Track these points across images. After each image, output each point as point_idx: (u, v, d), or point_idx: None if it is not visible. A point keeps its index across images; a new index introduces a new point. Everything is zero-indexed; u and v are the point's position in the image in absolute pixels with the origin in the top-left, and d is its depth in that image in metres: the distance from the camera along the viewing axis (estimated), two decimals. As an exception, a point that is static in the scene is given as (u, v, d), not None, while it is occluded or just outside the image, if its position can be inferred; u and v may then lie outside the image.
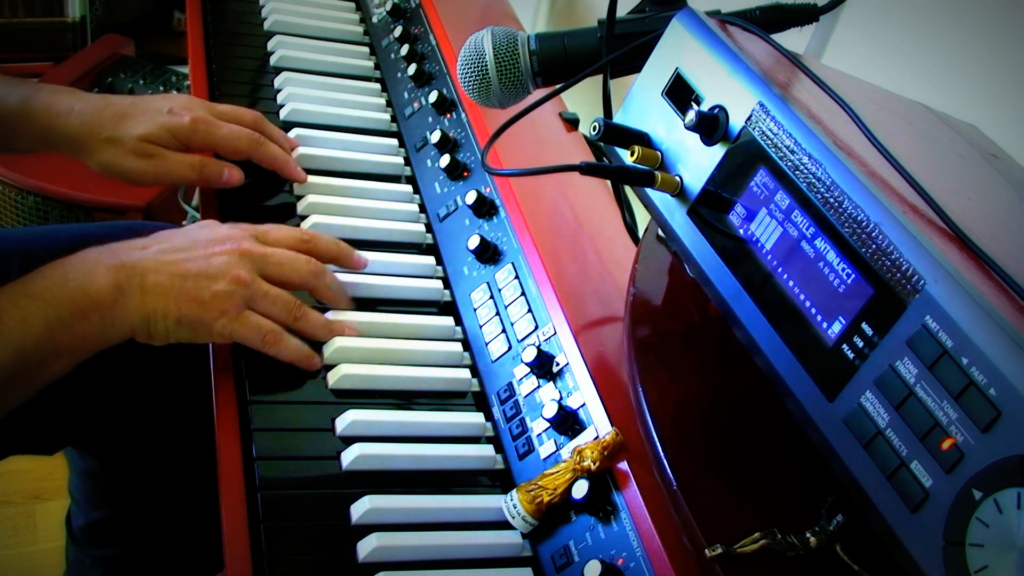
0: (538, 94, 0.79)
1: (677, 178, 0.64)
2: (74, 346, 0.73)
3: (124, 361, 0.96)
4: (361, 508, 0.71)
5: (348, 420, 0.76)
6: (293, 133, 1.03)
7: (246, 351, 0.80)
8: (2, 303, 0.71)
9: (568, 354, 0.77)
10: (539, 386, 0.78)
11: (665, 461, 0.61)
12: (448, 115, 1.04)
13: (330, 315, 0.84)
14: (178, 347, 0.80)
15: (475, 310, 0.87)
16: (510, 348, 0.82)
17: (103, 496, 1.16)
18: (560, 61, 0.79)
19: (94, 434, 1.06)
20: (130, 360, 0.97)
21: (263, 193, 0.98)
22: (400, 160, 1.06)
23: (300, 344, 0.80)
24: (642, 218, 1.00)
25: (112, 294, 0.74)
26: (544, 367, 0.78)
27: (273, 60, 1.15)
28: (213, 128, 0.94)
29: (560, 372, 0.77)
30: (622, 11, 0.77)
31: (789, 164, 0.56)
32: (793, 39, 0.74)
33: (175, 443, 1.08)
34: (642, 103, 0.68)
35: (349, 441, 0.76)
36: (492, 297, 0.86)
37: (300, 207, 0.96)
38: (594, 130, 0.66)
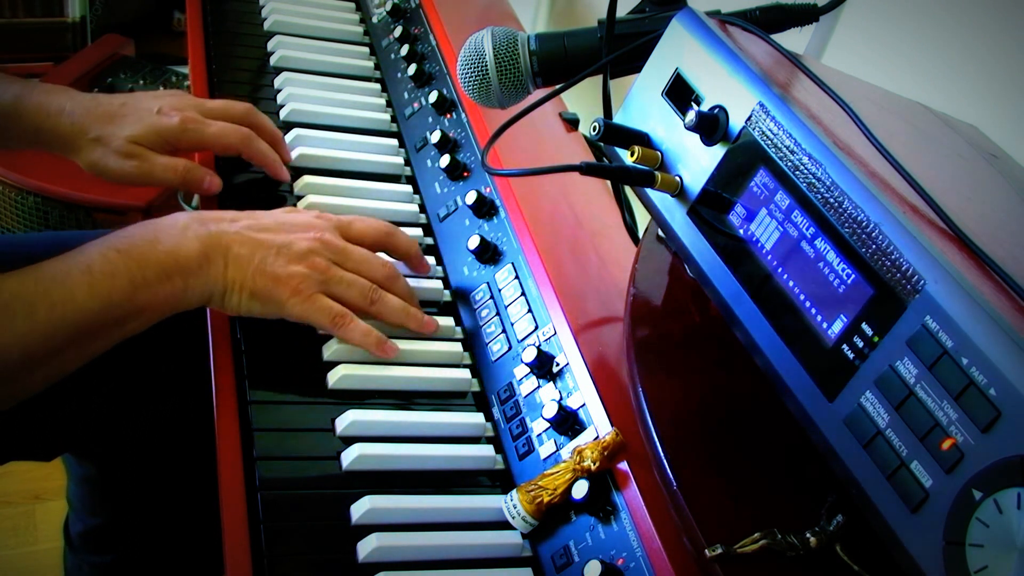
0: (538, 94, 0.79)
1: (677, 178, 0.64)
2: (154, 306, 0.75)
3: (123, 365, 0.96)
4: (361, 508, 0.71)
5: (348, 420, 0.76)
6: (293, 133, 1.03)
7: (246, 351, 0.80)
8: (93, 255, 0.74)
9: (568, 354, 0.77)
10: (539, 386, 0.78)
11: (665, 461, 0.61)
12: (448, 115, 1.04)
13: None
14: (176, 350, 0.80)
15: (475, 310, 0.87)
16: (510, 348, 0.82)
17: (101, 502, 1.16)
18: (560, 61, 0.79)
19: (92, 440, 1.06)
20: (129, 363, 0.97)
21: (263, 194, 0.98)
22: (400, 160, 1.06)
23: (370, 328, 0.81)
24: (642, 218, 1.00)
25: (198, 260, 0.76)
26: (544, 367, 0.78)
27: (273, 60, 1.15)
28: (202, 127, 0.94)
29: (560, 372, 0.77)
30: (622, 11, 0.77)
31: (789, 164, 0.56)
32: (793, 39, 0.74)
33: (173, 449, 1.07)
34: (642, 103, 0.68)
35: (349, 441, 0.76)
36: (492, 297, 0.86)
37: (300, 207, 0.96)
38: (594, 130, 0.66)
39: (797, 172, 0.56)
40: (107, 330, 0.74)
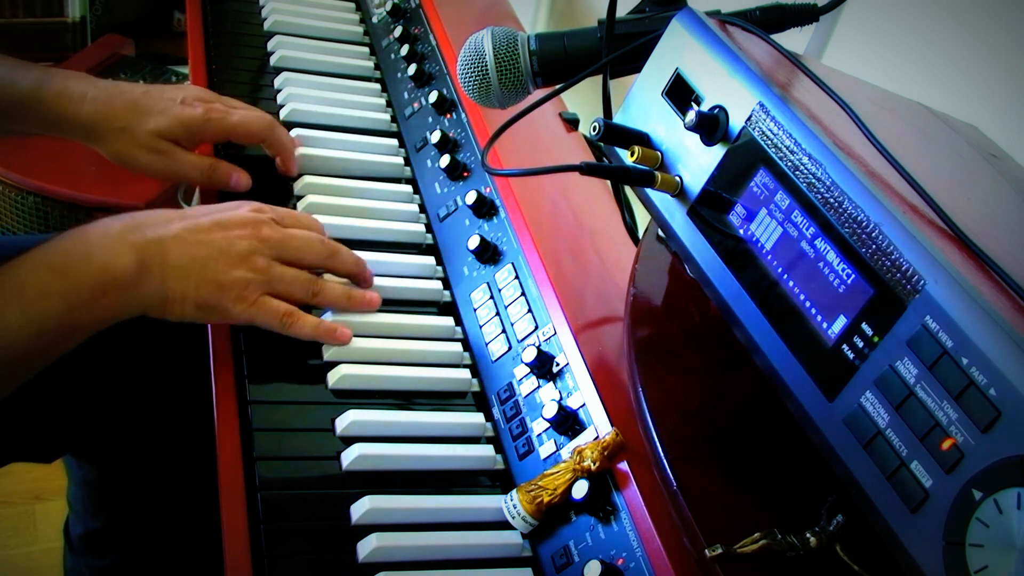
0: (538, 94, 0.79)
1: (677, 178, 0.64)
2: (90, 323, 0.73)
3: (123, 366, 0.96)
4: (361, 508, 0.71)
5: (348, 420, 0.76)
6: (293, 133, 1.03)
7: (246, 351, 0.80)
8: (24, 276, 0.71)
9: (568, 354, 0.77)
10: (539, 386, 0.78)
11: (665, 461, 0.61)
12: (448, 115, 1.04)
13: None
14: (176, 351, 0.80)
15: (475, 310, 0.87)
16: (510, 348, 0.82)
17: (101, 505, 1.16)
18: (560, 61, 0.79)
19: (93, 442, 1.06)
20: (129, 364, 0.97)
21: (263, 193, 0.98)
22: (400, 160, 1.06)
23: (320, 320, 0.80)
24: (642, 218, 1.00)
25: (135, 273, 0.73)
26: (544, 367, 0.78)
27: (273, 60, 1.15)
28: (226, 116, 0.94)
29: (560, 372, 0.77)
30: (622, 11, 0.77)
31: (789, 164, 0.56)
32: (793, 39, 0.74)
33: (174, 451, 1.07)
34: (642, 103, 0.68)
35: (349, 441, 0.76)
36: (492, 297, 0.86)
37: (300, 207, 0.96)
38: (594, 130, 0.66)
39: (797, 172, 0.56)
40: (42, 351, 0.72)
